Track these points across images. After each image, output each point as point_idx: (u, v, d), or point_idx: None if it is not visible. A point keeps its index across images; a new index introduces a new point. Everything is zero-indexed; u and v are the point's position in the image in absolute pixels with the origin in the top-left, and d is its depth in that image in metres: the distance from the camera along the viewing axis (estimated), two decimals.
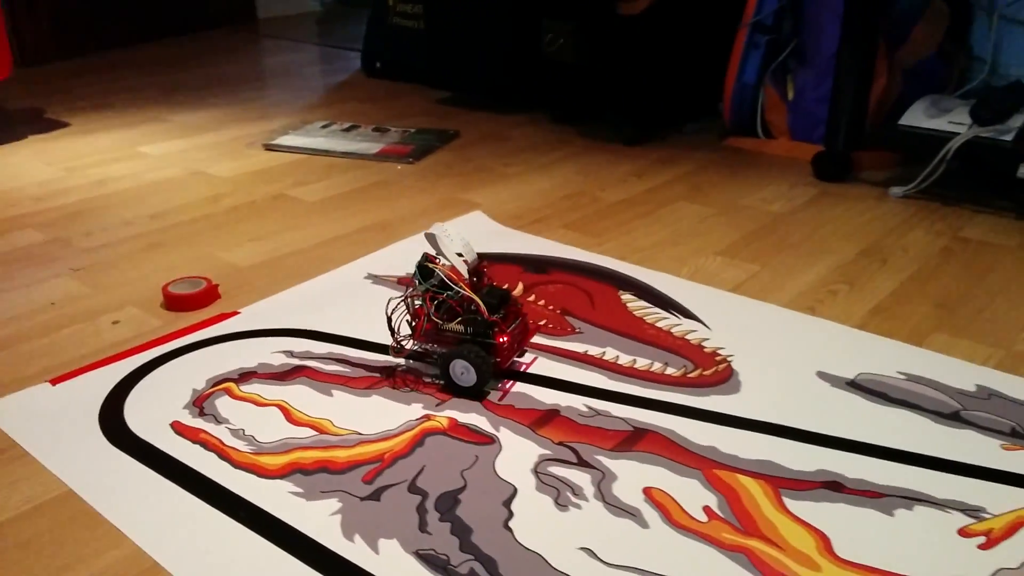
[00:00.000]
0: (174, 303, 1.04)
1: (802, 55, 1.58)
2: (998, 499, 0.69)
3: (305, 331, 1.00)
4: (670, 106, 1.78)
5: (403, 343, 0.91)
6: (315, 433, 0.81)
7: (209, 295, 1.06)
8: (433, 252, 0.88)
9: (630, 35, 1.62)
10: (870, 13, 1.34)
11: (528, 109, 1.97)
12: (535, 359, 0.92)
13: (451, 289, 0.86)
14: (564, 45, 1.70)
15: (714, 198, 1.41)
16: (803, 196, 1.40)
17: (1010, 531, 0.65)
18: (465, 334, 0.86)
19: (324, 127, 1.84)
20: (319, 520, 0.69)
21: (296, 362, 0.93)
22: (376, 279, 1.13)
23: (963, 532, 0.65)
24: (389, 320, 0.90)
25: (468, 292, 0.85)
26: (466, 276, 0.88)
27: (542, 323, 1.00)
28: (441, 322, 0.87)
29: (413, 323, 0.89)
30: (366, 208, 1.39)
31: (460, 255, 0.88)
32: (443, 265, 0.87)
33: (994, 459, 0.74)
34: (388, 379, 0.89)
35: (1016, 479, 0.71)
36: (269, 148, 1.70)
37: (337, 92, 2.22)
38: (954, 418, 0.80)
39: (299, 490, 0.73)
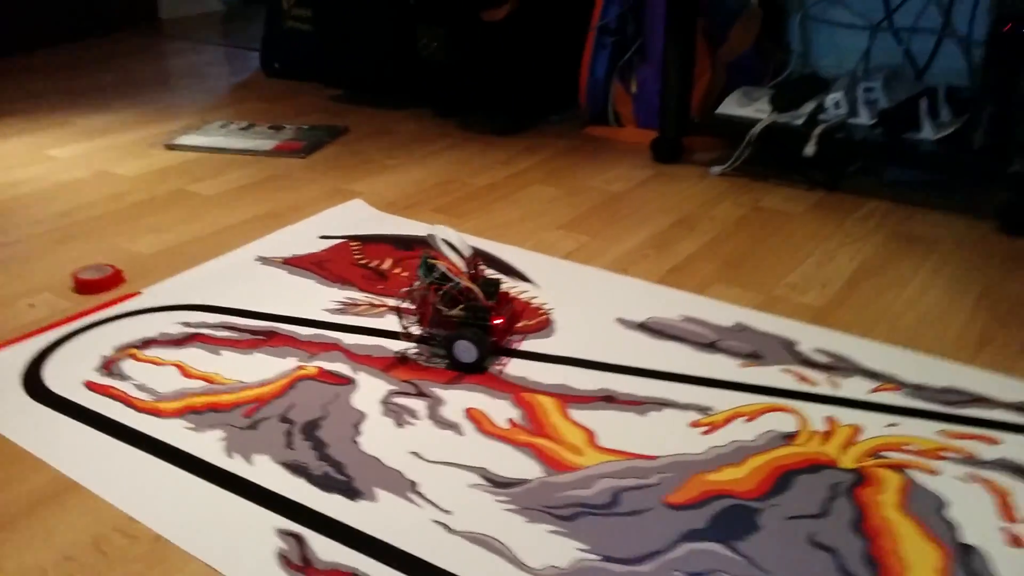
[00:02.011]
0: (83, 287, 1.21)
1: (644, 53, 1.81)
2: (725, 400, 0.92)
3: (200, 306, 1.18)
4: (537, 100, 2.00)
5: (411, 329, 1.05)
6: (206, 384, 0.99)
7: (114, 279, 1.23)
8: (434, 250, 1.02)
9: (494, 38, 1.83)
10: (686, 16, 1.58)
11: (414, 105, 2.16)
12: (523, 339, 1.07)
13: (452, 281, 1.01)
14: (436, 48, 1.90)
15: (565, 181, 1.62)
16: (640, 177, 1.63)
17: (727, 421, 0.88)
18: (466, 319, 1.01)
19: (222, 126, 2.00)
20: (206, 445, 0.88)
21: (191, 331, 1.11)
22: (264, 260, 1.31)
23: (693, 424, 0.88)
24: (398, 310, 1.05)
25: (468, 283, 1.00)
26: (464, 270, 1.02)
27: (403, 291, 1.20)
28: (445, 309, 1.01)
29: (420, 311, 1.02)
30: (259, 200, 1.56)
31: (457, 252, 1.03)
32: (445, 261, 1.01)
33: (731, 374, 0.97)
34: (268, 340, 1.08)
35: (742, 387, 0.94)
36: (170, 147, 1.85)
37: (237, 92, 2.37)
38: (710, 347, 1.03)
39: (191, 425, 0.91)
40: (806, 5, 1.80)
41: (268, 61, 2.51)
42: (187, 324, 1.13)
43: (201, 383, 0.99)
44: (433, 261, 1.01)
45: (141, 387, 0.99)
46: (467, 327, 0.99)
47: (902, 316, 1.08)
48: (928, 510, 0.74)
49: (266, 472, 0.84)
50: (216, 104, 2.23)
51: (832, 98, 1.51)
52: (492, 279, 1.05)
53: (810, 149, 1.45)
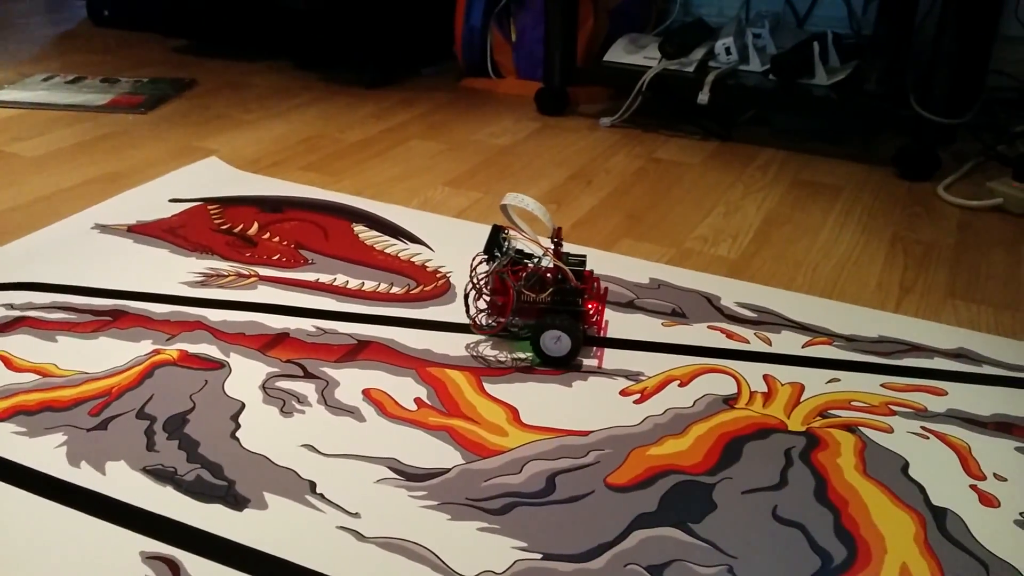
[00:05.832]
0: None
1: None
2: (654, 364, 0.83)
3: (26, 283, 0.98)
4: (408, 50, 1.85)
5: (481, 320, 0.87)
6: (38, 377, 0.81)
7: None
8: (507, 222, 0.85)
9: None
10: None
11: (271, 56, 1.96)
12: (608, 322, 0.91)
13: (534, 259, 0.83)
14: None
15: (446, 135, 1.49)
16: (526, 129, 1.52)
17: (660, 387, 0.80)
18: (553, 304, 0.84)
19: (45, 80, 1.74)
20: (43, 453, 0.71)
21: (16, 314, 0.92)
22: (104, 228, 1.12)
23: (624, 392, 0.79)
24: (466, 298, 0.87)
25: (556, 261, 0.83)
26: (549, 245, 0.85)
27: (275, 258, 1.05)
28: (532, 295, 0.83)
29: (496, 297, 0.85)
30: (93, 161, 1.35)
31: (538, 223, 0.85)
32: (524, 235, 0.84)
33: (656, 335, 0.88)
34: (115, 321, 0.90)
35: (669, 348, 0.86)
36: None
37: (62, 43, 2.09)
38: (629, 306, 0.94)
39: (22, 430, 0.74)
40: None
41: (96, 8, 2.23)
42: (10, 306, 0.93)
43: (32, 376, 0.81)
44: (507, 236, 0.84)
45: None
46: (555, 314, 0.83)
47: (820, 265, 1.03)
48: (891, 472, 0.68)
49: (123, 482, 0.68)
50: (37, 57, 1.95)
51: (721, 44, 1.45)
52: (576, 255, 0.87)
53: (704, 97, 1.38)
